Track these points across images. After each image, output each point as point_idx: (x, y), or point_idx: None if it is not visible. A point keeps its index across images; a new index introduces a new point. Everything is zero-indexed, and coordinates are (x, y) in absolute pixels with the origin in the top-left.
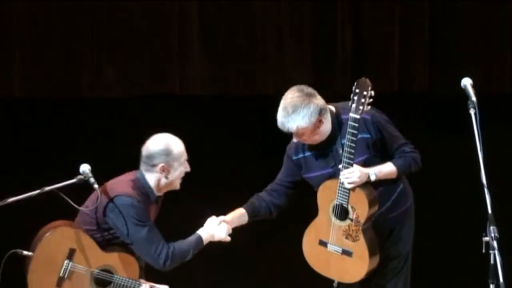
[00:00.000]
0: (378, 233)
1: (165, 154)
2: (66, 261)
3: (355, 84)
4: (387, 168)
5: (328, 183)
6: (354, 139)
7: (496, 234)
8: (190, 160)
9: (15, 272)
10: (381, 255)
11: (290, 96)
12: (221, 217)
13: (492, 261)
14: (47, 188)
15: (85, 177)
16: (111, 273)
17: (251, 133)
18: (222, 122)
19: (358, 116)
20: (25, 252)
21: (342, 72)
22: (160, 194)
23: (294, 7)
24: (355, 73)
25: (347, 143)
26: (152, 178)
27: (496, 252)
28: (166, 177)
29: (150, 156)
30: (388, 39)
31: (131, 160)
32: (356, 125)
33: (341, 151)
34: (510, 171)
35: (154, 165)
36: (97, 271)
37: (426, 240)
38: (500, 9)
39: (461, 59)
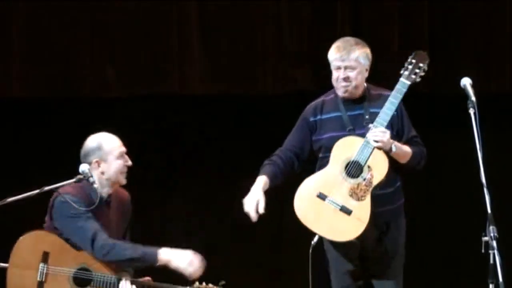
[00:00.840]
0: (374, 223)
1: (97, 149)
2: (41, 265)
3: (413, 54)
4: (405, 148)
5: (350, 139)
6: (396, 102)
7: (496, 234)
8: (191, 159)
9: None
10: (380, 249)
11: (348, 37)
12: (256, 197)
13: (491, 261)
14: (47, 188)
15: (84, 176)
16: (89, 271)
17: (250, 133)
18: (221, 122)
19: (408, 82)
20: (1, 264)
21: None
22: (106, 192)
23: (293, 7)
24: None
25: (388, 105)
26: (94, 176)
27: (496, 252)
28: (103, 173)
29: (85, 155)
30: (388, 39)
31: (133, 157)
32: (404, 90)
33: (367, 117)
34: (510, 171)
35: (90, 163)
36: (75, 270)
37: (426, 239)
38: (500, 9)
39: (461, 59)
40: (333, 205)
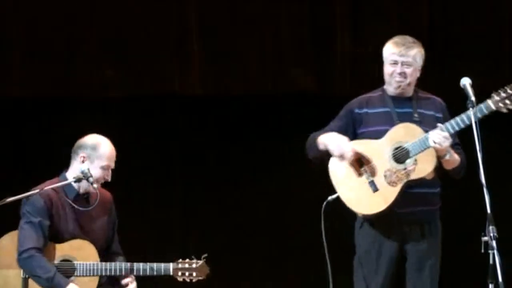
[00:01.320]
0: (417, 221)
1: (91, 147)
2: None
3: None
4: (456, 157)
5: (413, 127)
6: (473, 118)
7: (495, 234)
8: (191, 159)
9: None
10: (421, 248)
11: (405, 35)
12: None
13: (491, 261)
14: (46, 188)
15: (84, 176)
16: (71, 261)
17: (249, 133)
18: (220, 122)
19: (493, 108)
20: None
21: (341, 72)
22: (82, 190)
23: (293, 7)
24: (354, 72)
25: (464, 117)
26: (71, 172)
27: (495, 252)
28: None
29: (79, 146)
30: (387, 39)
31: (130, 159)
32: (486, 112)
33: (416, 115)
34: (510, 171)
35: (77, 154)
36: (57, 263)
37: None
38: (499, 9)
39: (460, 59)
40: (365, 175)
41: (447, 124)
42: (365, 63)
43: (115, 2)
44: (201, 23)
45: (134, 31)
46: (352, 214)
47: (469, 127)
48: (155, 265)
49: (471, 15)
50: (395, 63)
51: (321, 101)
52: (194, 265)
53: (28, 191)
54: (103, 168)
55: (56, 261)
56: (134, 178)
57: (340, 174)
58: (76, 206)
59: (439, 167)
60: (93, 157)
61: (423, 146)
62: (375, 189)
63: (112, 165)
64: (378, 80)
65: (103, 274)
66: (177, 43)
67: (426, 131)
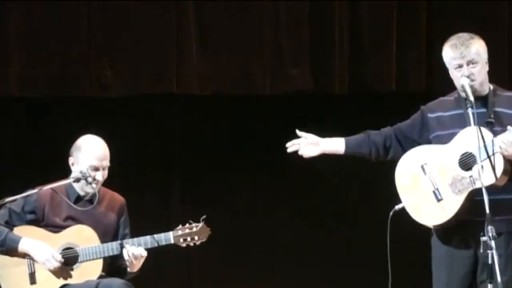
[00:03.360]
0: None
1: (77, 149)
2: (27, 257)
3: None
4: None
5: (483, 131)
6: None
7: (494, 234)
8: (189, 159)
9: None
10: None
11: (460, 34)
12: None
13: (490, 261)
14: (45, 188)
15: (83, 176)
16: (74, 248)
17: (248, 133)
18: (220, 122)
19: None
20: None
21: (340, 72)
22: (83, 192)
23: (291, 7)
24: (353, 72)
25: None
26: (71, 175)
27: (494, 251)
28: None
29: (71, 149)
30: (386, 38)
31: (129, 159)
32: None
33: (492, 115)
34: None
35: (69, 157)
36: (60, 252)
37: (420, 240)
38: (497, 7)
39: None
40: (429, 182)
41: None
42: (363, 62)
43: (113, 2)
44: (199, 23)
45: (133, 32)
46: None
47: None
48: (155, 236)
49: (470, 14)
50: (459, 66)
51: (319, 100)
52: (194, 229)
53: (25, 191)
54: (89, 168)
55: (59, 250)
56: (133, 176)
57: (405, 179)
58: (74, 206)
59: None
60: (78, 158)
61: (490, 151)
62: (440, 199)
63: (102, 164)
64: (375, 80)
65: (105, 255)
66: (175, 43)
67: (502, 132)
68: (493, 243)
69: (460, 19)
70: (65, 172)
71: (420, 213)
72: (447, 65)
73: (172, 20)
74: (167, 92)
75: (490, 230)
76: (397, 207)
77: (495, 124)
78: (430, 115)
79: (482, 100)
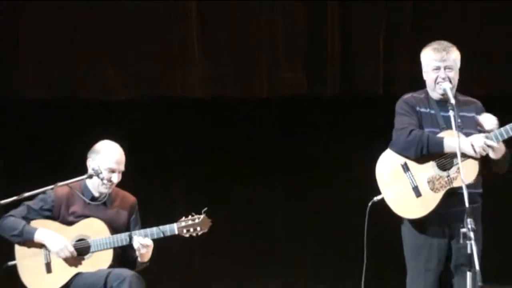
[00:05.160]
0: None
1: (95, 152)
2: (44, 248)
3: None
4: (502, 146)
5: (462, 136)
6: None
7: (473, 226)
8: (190, 158)
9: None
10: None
11: (440, 41)
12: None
13: (469, 250)
14: (60, 184)
15: (95, 173)
16: (86, 240)
17: (247, 133)
18: (221, 123)
19: None
20: (10, 263)
21: (331, 76)
22: (97, 193)
23: (288, 17)
24: (343, 76)
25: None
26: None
27: (473, 242)
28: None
29: (89, 152)
30: (374, 45)
31: (135, 158)
32: None
33: (459, 120)
34: None
35: (87, 159)
36: (73, 243)
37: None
38: (482, 11)
39: None
40: (409, 180)
41: (495, 132)
42: (352, 67)
43: (120, 10)
44: (201, 31)
45: (138, 37)
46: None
47: None
48: (160, 227)
49: (454, 19)
50: (437, 68)
51: (313, 103)
52: (196, 221)
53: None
54: (107, 170)
55: (72, 242)
56: (139, 174)
57: (386, 175)
58: (88, 204)
59: (484, 167)
60: (96, 160)
61: (466, 154)
62: (418, 195)
63: (119, 167)
64: (362, 80)
65: (115, 245)
66: (178, 49)
67: (470, 134)
68: (472, 234)
69: (443, 22)
70: (76, 169)
71: (400, 207)
72: (425, 65)
73: (176, 26)
74: (171, 95)
75: (470, 222)
76: (376, 198)
77: (463, 127)
78: (417, 108)
79: (447, 102)
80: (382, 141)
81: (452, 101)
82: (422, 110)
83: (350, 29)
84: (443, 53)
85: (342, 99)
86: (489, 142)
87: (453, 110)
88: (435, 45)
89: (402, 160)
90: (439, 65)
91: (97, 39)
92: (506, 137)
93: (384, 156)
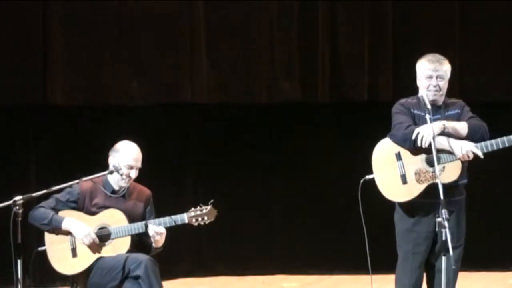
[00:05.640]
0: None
1: (115, 151)
2: (69, 236)
3: None
4: (459, 124)
5: (447, 139)
6: (506, 144)
7: (447, 216)
8: (200, 156)
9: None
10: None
11: (433, 53)
12: None
13: (443, 237)
14: (85, 179)
15: (115, 169)
16: (107, 228)
17: (248, 136)
18: (226, 126)
19: None
20: (41, 248)
21: (322, 84)
22: (117, 187)
23: (283, 33)
24: (332, 84)
25: (499, 141)
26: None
27: (447, 230)
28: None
29: (110, 151)
30: (359, 57)
31: (151, 158)
32: None
33: (446, 124)
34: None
35: (108, 157)
36: (96, 231)
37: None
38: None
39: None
40: (399, 167)
41: (483, 144)
42: (340, 76)
43: (138, 28)
44: (209, 45)
45: (153, 50)
46: None
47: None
48: (172, 216)
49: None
50: (430, 77)
51: (306, 109)
52: (204, 211)
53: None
54: (126, 166)
55: (95, 230)
56: (154, 170)
57: (380, 160)
58: (109, 197)
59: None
60: (116, 158)
61: (453, 156)
62: (404, 182)
63: (136, 164)
64: (349, 87)
65: (133, 233)
66: (188, 61)
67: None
68: (446, 223)
69: (421, 27)
70: (99, 165)
71: (387, 189)
72: (419, 73)
73: (186, 42)
74: (182, 101)
75: (444, 213)
76: (368, 177)
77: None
78: (412, 110)
79: (439, 108)
80: (368, 140)
81: (428, 106)
82: (416, 112)
83: (337, 44)
84: (436, 64)
85: (331, 105)
86: (475, 151)
87: (429, 114)
88: (430, 56)
89: (397, 149)
90: (432, 74)
91: (121, 54)
92: (491, 150)
93: (382, 142)
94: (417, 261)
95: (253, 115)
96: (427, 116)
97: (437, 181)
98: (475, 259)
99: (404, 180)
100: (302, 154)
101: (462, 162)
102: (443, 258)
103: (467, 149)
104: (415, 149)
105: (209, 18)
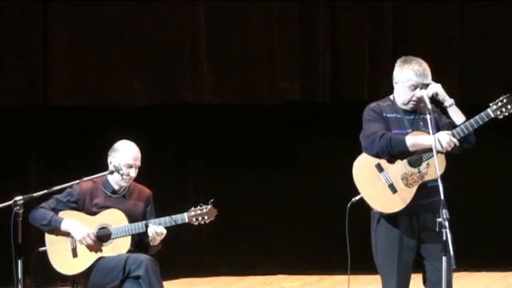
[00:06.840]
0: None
1: (114, 150)
2: (70, 236)
3: (508, 95)
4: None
5: (422, 133)
6: (475, 125)
7: (448, 216)
8: (201, 156)
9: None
10: (434, 233)
11: (418, 60)
12: None
13: (444, 238)
14: (85, 179)
15: (116, 169)
16: (107, 228)
17: (249, 136)
18: (226, 126)
19: (492, 115)
20: (41, 248)
21: (321, 85)
22: (117, 187)
23: (283, 33)
24: (332, 85)
25: (468, 124)
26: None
27: (448, 230)
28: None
29: (110, 150)
30: (360, 57)
31: (152, 157)
32: (486, 119)
33: (421, 123)
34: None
35: (107, 157)
36: (96, 231)
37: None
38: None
39: None
40: (384, 178)
41: (455, 130)
42: (340, 78)
43: (139, 28)
44: (209, 46)
45: (155, 51)
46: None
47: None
48: (173, 216)
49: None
50: (415, 87)
51: (306, 109)
52: (204, 210)
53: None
54: (125, 166)
55: (95, 230)
56: (155, 170)
57: (362, 177)
58: (109, 197)
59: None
60: (116, 157)
61: (431, 153)
62: (394, 191)
63: (135, 163)
64: (348, 89)
65: (133, 233)
66: (190, 62)
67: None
68: (446, 223)
69: (420, 32)
70: (100, 166)
71: (380, 204)
72: (401, 81)
73: (187, 43)
74: (183, 101)
75: (445, 212)
76: (354, 199)
77: (425, 128)
78: (384, 114)
79: (419, 108)
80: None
81: (429, 106)
82: (389, 115)
83: (338, 44)
84: (423, 77)
85: (331, 105)
86: (454, 140)
87: (429, 114)
88: (416, 66)
89: (376, 161)
90: (417, 85)
91: (121, 54)
92: (466, 133)
93: (359, 159)
94: (403, 265)
95: (253, 115)
96: (428, 116)
97: (426, 178)
98: (475, 259)
99: (393, 189)
100: (302, 154)
101: (443, 153)
102: (444, 259)
103: (446, 140)
104: (392, 157)
105: (210, 19)
